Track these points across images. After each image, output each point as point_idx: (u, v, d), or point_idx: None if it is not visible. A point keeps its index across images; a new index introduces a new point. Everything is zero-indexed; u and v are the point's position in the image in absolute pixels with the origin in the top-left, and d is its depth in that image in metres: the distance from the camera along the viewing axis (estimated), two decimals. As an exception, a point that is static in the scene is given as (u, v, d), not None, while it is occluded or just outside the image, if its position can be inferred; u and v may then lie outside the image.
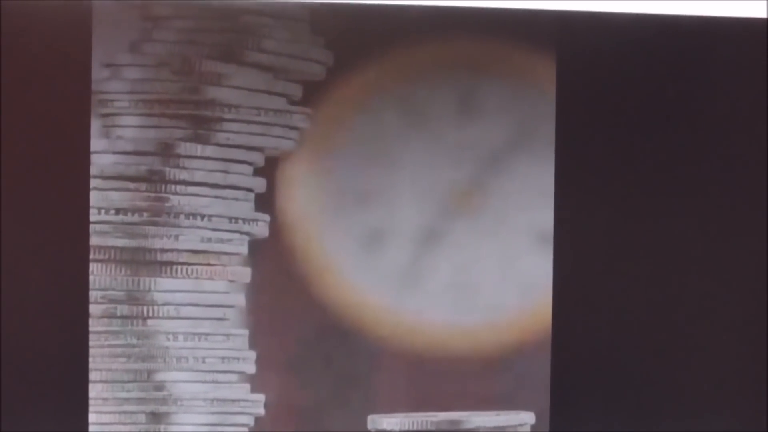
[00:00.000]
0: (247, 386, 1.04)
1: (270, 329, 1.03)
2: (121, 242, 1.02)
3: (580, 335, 1.07)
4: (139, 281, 1.02)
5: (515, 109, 1.05)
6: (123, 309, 1.02)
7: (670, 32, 1.07)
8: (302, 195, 1.04)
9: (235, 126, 1.03)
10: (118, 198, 1.02)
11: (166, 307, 1.03)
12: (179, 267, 1.03)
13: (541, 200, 1.05)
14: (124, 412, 1.03)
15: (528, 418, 1.06)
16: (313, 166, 1.04)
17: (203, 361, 1.03)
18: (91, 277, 1.02)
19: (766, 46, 1.07)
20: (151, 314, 1.03)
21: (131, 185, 1.02)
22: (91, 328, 1.02)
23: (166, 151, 1.02)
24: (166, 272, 1.03)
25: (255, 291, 1.03)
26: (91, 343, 1.02)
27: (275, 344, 1.04)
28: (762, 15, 1.06)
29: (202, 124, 1.03)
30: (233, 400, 1.04)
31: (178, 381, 1.03)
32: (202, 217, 1.03)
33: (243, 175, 1.03)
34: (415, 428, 1.05)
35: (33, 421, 1.02)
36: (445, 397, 1.05)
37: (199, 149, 1.03)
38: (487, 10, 1.04)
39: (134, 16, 1.02)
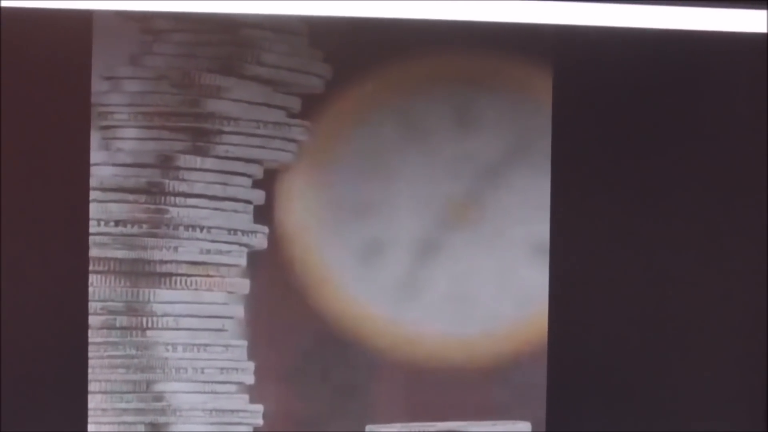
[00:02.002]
0: (246, 397, 1.04)
1: (268, 340, 1.04)
2: (120, 254, 1.03)
3: (576, 346, 1.07)
4: (138, 292, 1.03)
5: (512, 122, 1.05)
6: (122, 320, 1.03)
7: (666, 46, 1.07)
8: (301, 207, 1.04)
9: (234, 138, 1.03)
10: (117, 210, 1.02)
11: (165, 318, 1.03)
12: (178, 278, 1.03)
13: (537, 213, 1.06)
14: (123, 423, 1.03)
15: (524, 427, 1.06)
16: (312, 178, 1.04)
17: (202, 372, 1.03)
18: (90, 289, 1.02)
19: (765, 60, 1.07)
20: (150, 325, 1.03)
21: (131, 197, 1.03)
22: (90, 339, 1.02)
23: (165, 163, 1.03)
24: (165, 283, 1.03)
25: (254, 302, 1.04)
26: (90, 354, 1.02)
27: (274, 355, 1.04)
28: (761, 30, 1.07)
29: (201, 137, 1.03)
30: (232, 411, 1.04)
31: (177, 391, 1.03)
32: (201, 228, 1.03)
33: (242, 187, 1.03)
34: (412, 438, 1.06)
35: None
36: (443, 408, 1.06)
37: (198, 161, 1.03)
38: (484, 24, 1.04)
39: (134, 30, 1.02)
